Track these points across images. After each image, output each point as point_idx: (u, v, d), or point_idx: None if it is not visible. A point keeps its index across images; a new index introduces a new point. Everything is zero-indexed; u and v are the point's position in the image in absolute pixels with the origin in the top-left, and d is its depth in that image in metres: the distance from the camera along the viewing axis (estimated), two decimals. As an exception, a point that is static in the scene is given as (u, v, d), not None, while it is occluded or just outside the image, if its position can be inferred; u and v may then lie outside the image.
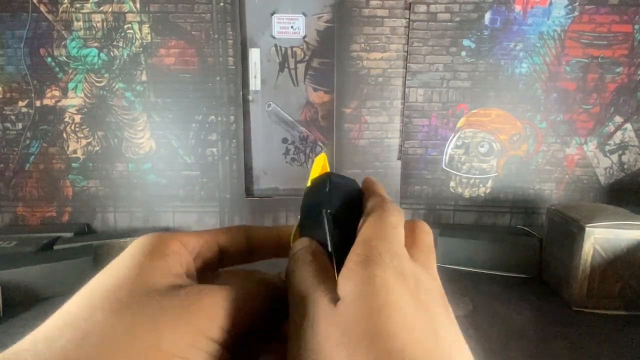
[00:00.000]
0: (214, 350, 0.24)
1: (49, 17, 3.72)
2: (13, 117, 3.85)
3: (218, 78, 3.88)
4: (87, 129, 3.92)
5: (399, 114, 4.02)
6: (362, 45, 3.89)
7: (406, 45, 3.88)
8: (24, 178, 3.94)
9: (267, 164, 4.18)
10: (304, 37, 3.94)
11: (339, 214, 0.29)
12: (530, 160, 4.01)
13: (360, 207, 0.30)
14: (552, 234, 3.31)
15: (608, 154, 3.97)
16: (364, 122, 4.02)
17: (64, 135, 3.91)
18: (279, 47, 3.96)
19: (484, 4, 3.77)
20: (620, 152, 3.96)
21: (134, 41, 3.80)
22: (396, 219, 0.28)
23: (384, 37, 3.87)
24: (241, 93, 3.94)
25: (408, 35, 3.86)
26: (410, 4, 3.81)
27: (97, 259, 3.18)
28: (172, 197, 4.04)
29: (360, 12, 3.84)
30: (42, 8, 3.70)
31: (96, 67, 3.82)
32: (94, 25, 3.76)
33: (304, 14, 3.90)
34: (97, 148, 3.95)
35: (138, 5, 3.74)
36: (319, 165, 0.33)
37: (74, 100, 3.86)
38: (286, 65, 4.00)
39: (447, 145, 4.03)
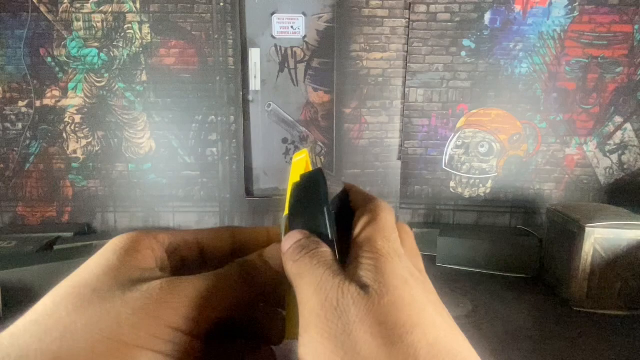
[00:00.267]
0: (180, 340, 0.25)
1: (49, 17, 3.72)
2: (13, 117, 3.85)
3: (218, 78, 3.89)
4: (87, 129, 3.92)
5: (399, 114, 4.02)
6: (362, 45, 3.89)
7: (406, 45, 3.88)
8: (24, 178, 3.94)
9: (267, 164, 4.18)
10: (304, 37, 3.95)
11: (333, 209, 0.29)
12: (530, 160, 4.01)
13: (345, 203, 0.30)
14: (552, 234, 3.31)
15: (608, 154, 3.97)
16: (364, 122, 4.02)
17: (64, 135, 3.91)
18: (279, 47, 3.96)
19: (484, 4, 3.77)
20: (620, 152, 3.96)
21: (134, 41, 3.80)
22: (393, 219, 0.29)
23: (384, 37, 3.87)
24: (241, 93, 3.94)
25: (408, 35, 3.86)
26: (410, 4, 3.81)
27: (97, 259, 3.17)
28: (172, 197, 4.04)
29: (360, 12, 3.84)
30: (42, 8, 3.70)
31: (96, 67, 3.82)
32: (94, 25, 3.76)
33: (304, 14, 3.90)
34: (97, 148, 3.96)
35: (138, 6, 3.74)
36: (303, 161, 0.33)
37: (74, 101, 3.86)
38: (286, 65, 4.00)
39: (447, 145, 4.03)
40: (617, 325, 2.77)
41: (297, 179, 0.31)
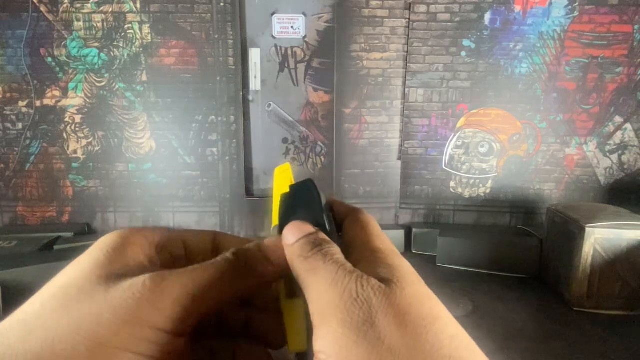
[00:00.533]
0: (163, 340, 0.24)
1: (49, 17, 3.72)
2: (13, 117, 3.85)
3: (218, 78, 3.89)
4: (88, 129, 3.92)
5: (399, 114, 4.02)
6: (362, 45, 3.89)
7: (406, 46, 3.88)
8: (24, 178, 3.94)
9: (267, 164, 4.18)
10: (304, 37, 3.95)
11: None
12: (530, 160, 4.01)
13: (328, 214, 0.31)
14: (552, 234, 3.31)
15: (608, 154, 3.97)
16: (364, 122, 4.02)
17: (64, 135, 3.91)
18: (279, 47, 3.96)
19: (484, 4, 3.77)
20: (620, 152, 3.96)
21: (134, 41, 3.80)
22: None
23: (384, 37, 3.88)
24: (241, 93, 3.94)
25: (408, 36, 3.86)
26: (410, 4, 3.81)
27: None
28: (172, 197, 4.04)
29: (360, 12, 3.84)
30: (43, 8, 3.70)
31: (96, 67, 3.82)
32: (94, 25, 3.76)
33: (304, 14, 3.90)
34: (97, 148, 3.96)
35: (138, 6, 3.74)
36: (287, 174, 0.34)
37: (74, 100, 3.86)
38: (286, 66, 4.00)
39: (447, 145, 4.03)
40: (617, 325, 2.77)
41: (283, 190, 0.31)
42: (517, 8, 3.76)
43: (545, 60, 3.84)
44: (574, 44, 3.80)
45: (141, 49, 3.81)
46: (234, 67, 3.88)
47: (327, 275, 0.24)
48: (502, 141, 4.00)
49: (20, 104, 3.83)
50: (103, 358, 0.23)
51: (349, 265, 0.25)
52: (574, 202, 3.87)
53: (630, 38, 3.76)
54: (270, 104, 4.08)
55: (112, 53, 3.81)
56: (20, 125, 3.87)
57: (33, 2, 3.67)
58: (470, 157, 4.04)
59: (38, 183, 3.96)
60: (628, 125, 3.91)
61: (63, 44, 3.76)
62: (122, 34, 3.78)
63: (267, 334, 0.31)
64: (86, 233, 3.93)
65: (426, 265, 3.53)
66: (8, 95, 3.81)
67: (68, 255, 3.10)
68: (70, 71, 3.81)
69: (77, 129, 3.91)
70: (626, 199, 3.86)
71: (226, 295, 0.27)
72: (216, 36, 3.82)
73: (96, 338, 0.23)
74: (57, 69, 3.80)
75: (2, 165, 3.91)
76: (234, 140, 4.00)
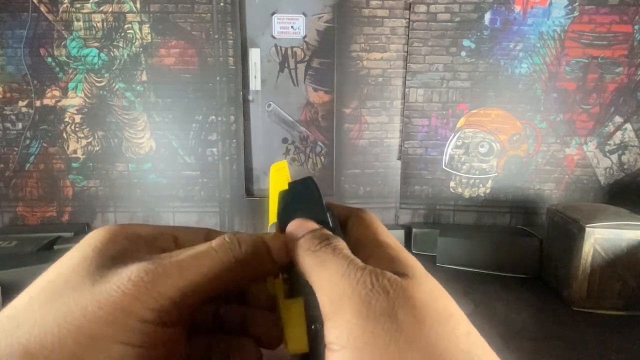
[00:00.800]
0: (151, 331, 0.24)
1: (49, 17, 3.72)
2: (13, 117, 3.85)
3: (218, 78, 3.88)
4: (87, 129, 3.92)
5: (399, 114, 4.02)
6: (362, 45, 3.89)
7: (406, 46, 3.88)
8: (24, 178, 3.94)
9: (267, 164, 4.17)
10: (304, 37, 3.95)
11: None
12: (530, 160, 4.01)
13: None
14: (552, 234, 3.31)
15: (608, 154, 3.97)
16: (364, 122, 4.02)
17: (64, 135, 3.91)
18: (279, 47, 3.96)
19: (484, 4, 3.77)
20: (620, 152, 3.96)
21: (134, 41, 3.80)
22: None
23: (384, 37, 3.87)
24: (241, 93, 3.94)
25: (408, 36, 3.86)
26: (410, 4, 3.81)
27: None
28: (172, 197, 4.04)
29: (360, 12, 3.84)
30: (42, 8, 3.70)
31: (96, 67, 3.82)
32: (94, 25, 3.76)
33: (304, 14, 3.90)
34: (97, 148, 3.96)
35: (138, 5, 3.74)
36: (283, 171, 0.34)
37: (74, 100, 3.86)
38: (286, 65, 4.00)
39: (447, 145, 4.03)
40: (617, 325, 2.77)
41: (281, 187, 0.31)
42: (517, 8, 3.76)
43: (545, 60, 3.84)
44: (574, 44, 3.80)
45: (141, 49, 3.81)
46: (234, 67, 3.88)
47: (338, 267, 0.24)
48: (502, 141, 4.00)
49: (20, 103, 3.83)
50: (90, 349, 0.23)
51: (358, 260, 0.25)
52: (574, 202, 3.87)
53: (630, 38, 3.76)
54: (270, 104, 4.07)
55: (112, 53, 3.81)
56: (20, 125, 3.87)
57: (33, 2, 3.67)
58: (470, 157, 4.04)
59: (38, 183, 3.96)
60: (628, 125, 3.91)
61: (63, 43, 3.76)
62: (122, 34, 3.78)
63: (262, 333, 0.30)
64: (86, 233, 3.90)
65: (426, 265, 3.42)
66: (8, 95, 3.81)
67: (68, 255, 3.10)
68: (70, 71, 3.81)
69: (77, 129, 3.91)
70: (626, 199, 3.86)
71: (217, 287, 0.27)
72: (216, 36, 3.82)
73: (83, 330, 0.23)
74: (57, 68, 3.80)
75: (2, 165, 3.91)
76: (234, 140, 4.00)
